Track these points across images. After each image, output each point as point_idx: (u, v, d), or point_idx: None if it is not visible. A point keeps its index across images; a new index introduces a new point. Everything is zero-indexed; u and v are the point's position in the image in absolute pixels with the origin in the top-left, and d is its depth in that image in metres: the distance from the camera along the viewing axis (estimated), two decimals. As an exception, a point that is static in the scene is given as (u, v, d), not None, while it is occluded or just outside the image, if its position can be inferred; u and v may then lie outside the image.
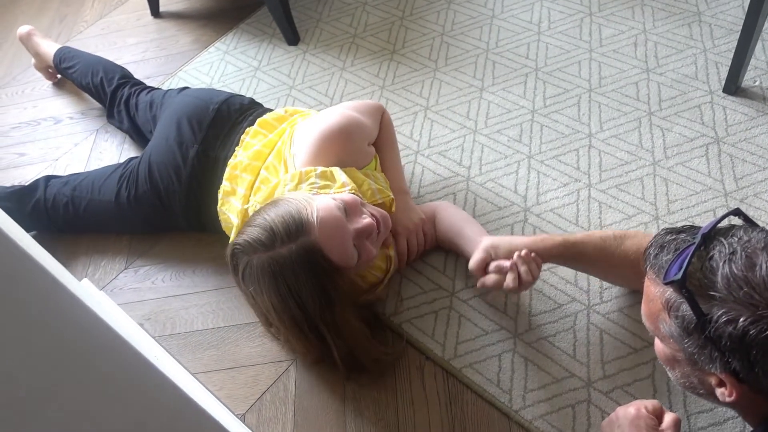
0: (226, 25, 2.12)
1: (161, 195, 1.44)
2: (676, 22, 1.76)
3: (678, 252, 0.79)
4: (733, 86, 1.55)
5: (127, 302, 1.46)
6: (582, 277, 1.31)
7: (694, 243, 0.78)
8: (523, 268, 1.13)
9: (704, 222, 0.96)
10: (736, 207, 0.85)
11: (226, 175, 1.36)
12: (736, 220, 0.83)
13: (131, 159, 1.52)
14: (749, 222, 0.82)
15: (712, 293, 0.74)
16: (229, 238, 1.39)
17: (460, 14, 1.94)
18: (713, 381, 0.80)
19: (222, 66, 1.97)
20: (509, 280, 1.13)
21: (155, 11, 2.22)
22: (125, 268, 1.52)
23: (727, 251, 0.75)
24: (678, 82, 1.62)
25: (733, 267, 0.73)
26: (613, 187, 1.44)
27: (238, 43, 2.04)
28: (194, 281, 1.47)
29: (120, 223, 1.53)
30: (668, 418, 1.01)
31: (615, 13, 1.83)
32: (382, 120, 1.42)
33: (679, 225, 0.95)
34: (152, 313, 1.43)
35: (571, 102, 1.63)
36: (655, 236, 0.86)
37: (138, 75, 2.01)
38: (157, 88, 1.70)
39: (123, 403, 0.72)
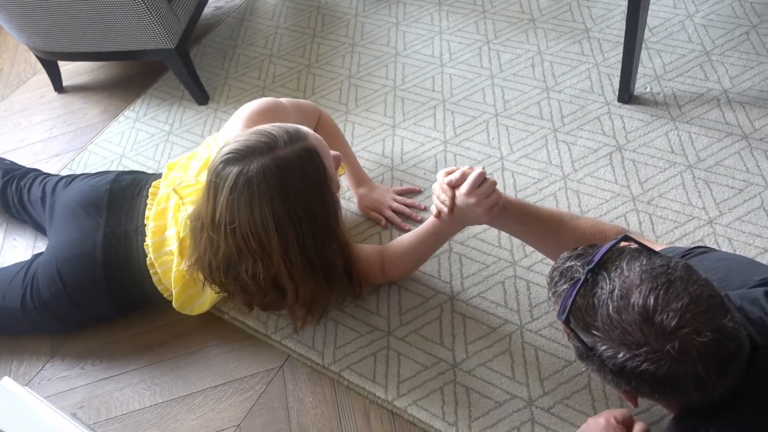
0: (134, 92, 2.10)
1: (76, 292, 1.37)
2: (567, 41, 1.86)
3: (571, 283, 0.83)
4: (626, 95, 1.63)
5: (57, 393, 1.40)
6: (511, 298, 1.34)
7: (580, 280, 0.81)
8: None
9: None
10: (624, 234, 0.87)
11: (149, 232, 1.35)
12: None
13: (36, 256, 1.46)
14: (639, 245, 0.84)
15: (593, 332, 0.79)
16: (164, 298, 1.39)
17: (365, 56, 1.99)
18: (618, 393, 0.85)
19: (134, 134, 1.95)
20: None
21: (58, 87, 2.18)
22: (51, 358, 1.45)
23: (607, 289, 0.78)
24: (576, 97, 1.70)
25: (610, 308, 0.77)
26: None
27: (147, 109, 2.02)
28: (125, 360, 1.42)
29: (33, 327, 1.46)
30: (637, 427, 1.04)
31: (510, 39, 1.91)
32: (322, 118, 1.49)
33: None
34: (85, 399, 1.37)
35: (480, 128, 1.68)
36: (560, 257, 0.89)
37: (47, 153, 1.96)
38: (46, 175, 1.64)
39: None
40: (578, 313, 0.80)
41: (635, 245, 0.85)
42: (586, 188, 1.49)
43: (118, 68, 2.21)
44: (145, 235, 1.35)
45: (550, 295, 0.88)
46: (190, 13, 1.94)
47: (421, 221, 1.49)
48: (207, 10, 2.32)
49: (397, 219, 1.52)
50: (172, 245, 1.32)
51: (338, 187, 1.22)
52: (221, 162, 1.11)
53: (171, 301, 1.38)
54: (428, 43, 1.97)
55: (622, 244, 0.85)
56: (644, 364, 0.75)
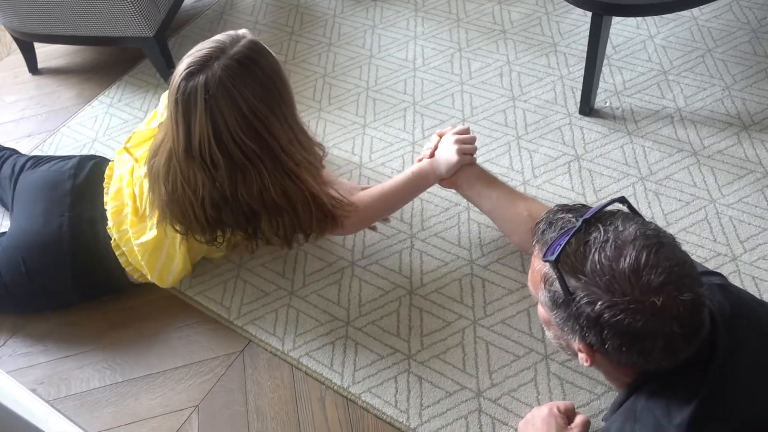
0: (109, 78, 2.12)
1: (40, 279, 1.38)
2: (535, 53, 1.93)
3: (562, 232, 0.86)
4: (587, 108, 1.71)
5: (19, 368, 1.41)
6: (467, 294, 1.40)
7: (575, 227, 0.85)
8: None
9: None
10: (621, 195, 0.92)
11: (109, 214, 1.37)
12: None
13: (1, 235, 1.47)
14: (632, 210, 0.90)
15: (579, 276, 0.82)
16: (133, 284, 1.42)
17: (341, 56, 2.04)
18: (575, 347, 0.90)
19: (107, 119, 1.96)
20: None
21: (33, 68, 2.18)
22: (13, 335, 1.47)
23: (601, 239, 0.82)
24: (540, 107, 1.77)
25: (602, 255, 0.81)
26: (490, 208, 1.55)
27: (122, 95, 2.04)
28: (87, 340, 1.44)
29: None
30: (578, 418, 1.11)
31: (482, 47, 1.98)
32: None
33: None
34: (45, 376, 1.39)
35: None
36: (548, 211, 0.93)
37: (18, 133, 1.97)
38: (19, 155, 1.65)
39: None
40: (566, 257, 0.83)
41: (628, 210, 0.89)
42: (544, 194, 1.56)
43: (95, 53, 2.23)
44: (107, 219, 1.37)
45: (534, 243, 0.92)
46: (170, 2, 1.97)
47: (388, 220, 1.55)
48: (188, 1, 2.35)
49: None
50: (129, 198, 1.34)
51: None
52: (182, 80, 1.11)
53: (141, 285, 1.41)
54: (403, 47, 2.03)
55: (616, 205, 0.89)
56: (622, 314, 0.79)
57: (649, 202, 1.51)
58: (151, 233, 1.32)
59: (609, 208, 0.89)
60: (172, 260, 1.36)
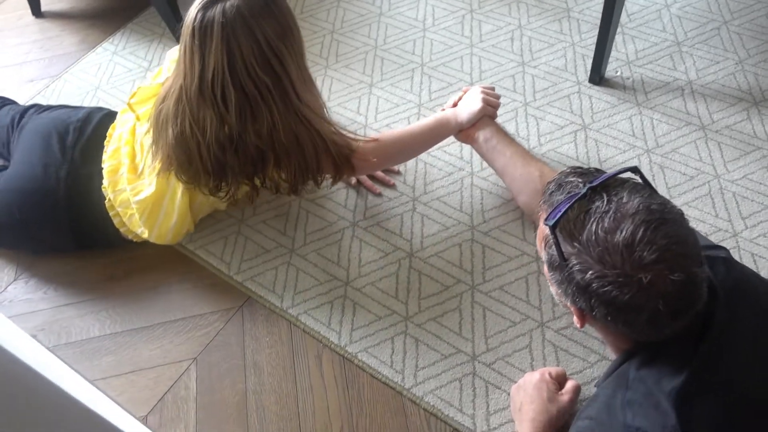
0: (114, 24, 2.08)
1: (34, 227, 1.39)
2: (548, 18, 1.90)
3: (567, 196, 0.86)
4: (597, 77, 1.69)
5: (19, 314, 1.43)
6: (466, 259, 1.41)
7: (579, 193, 0.85)
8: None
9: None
10: (634, 165, 0.90)
11: (105, 173, 1.36)
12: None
13: (1, 170, 1.46)
14: (644, 181, 0.88)
15: (575, 243, 0.83)
16: (129, 242, 1.41)
17: (350, 12, 2.00)
18: (569, 308, 0.91)
19: (111, 67, 1.94)
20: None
21: (37, 11, 2.14)
22: (14, 280, 1.48)
23: (602, 209, 0.82)
24: (550, 74, 1.75)
25: (599, 226, 0.81)
26: (493, 174, 1.54)
27: (126, 43, 2.01)
28: (88, 288, 1.45)
29: None
30: (569, 384, 1.13)
31: (494, 10, 1.94)
32: None
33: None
34: (45, 323, 1.41)
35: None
36: (560, 172, 0.93)
37: (20, 78, 1.95)
38: (16, 104, 1.64)
39: (7, 416, 0.72)
40: (566, 223, 0.84)
41: (640, 180, 0.88)
42: (548, 162, 1.55)
43: (99, -1, 2.19)
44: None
45: (541, 203, 0.92)
46: (176, -51, 1.92)
47: (393, 185, 1.54)
48: (194, -52, 2.29)
49: (369, 181, 1.54)
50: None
51: None
52: (199, 10, 1.12)
53: (137, 243, 1.42)
54: (413, 5, 1.99)
55: (628, 174, 0.88)
56: (609, 286, 0.80)
57: (654, 175, 1.50)
58: (149, 189, 1.32)
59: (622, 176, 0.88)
60: (170, 217, 1.36)
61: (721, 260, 0.91)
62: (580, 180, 0.88)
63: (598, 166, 1.52)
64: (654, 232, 0.79)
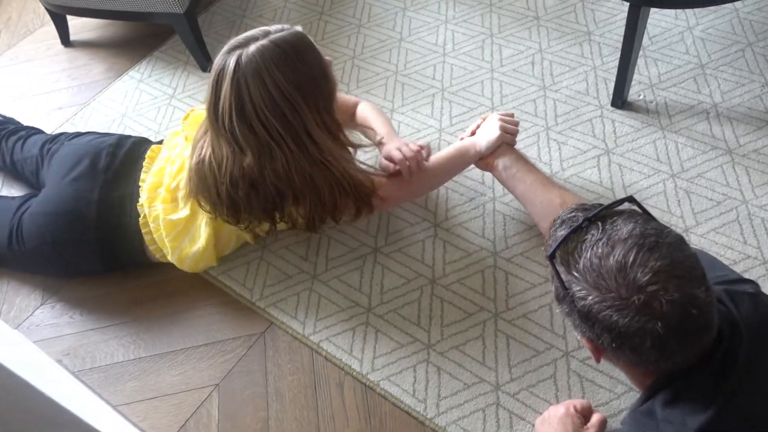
0: (140, 53, 2.12)
1: (63, 248, 1.41)
2: (568, 42, 1.89)
3: (570, 229, 0.88)
4: (620, 100, 1.68)
5: (45, 338, 1.45)
6: (489, 286, 1.40)
7: (576, 225, 0.87)
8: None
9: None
10: (630, 195, 0.93)
11: (144, 189, 1.39)
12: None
13: (31, 196, 1.50)
14: (641, 209, 0.90)
15: (573, 272, 0.85)
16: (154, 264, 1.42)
17: (370, 38, 2.02)
18: (584, 342, 0.91)
19: (137, 94, 1.97)
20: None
21: (66, 40, 2.20)
22: (41, 304, 1.50)
23: (596, 237, 0.84)
24: (571, 98, 1.74)
25: (593, 254, 0.83)
26: (515, 199, 1.53)
27: (152, 71, 2.05)
28: (113, 313, 1.47)
29: (20, 266, 1.52)
30: (595, 418, 1.11)
31: (514, 34, 1.95)
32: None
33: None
34: (71, 348, 1.42)
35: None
36: (567, 208, 0.95)
37: (50, 105, 1.99)
38: (42, 132, 1.70)
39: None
40: (564, 254, 0.86)
41: (638, 209, 0.90)
42: (571, 188, 1.54)
43: (126, 28, 2.23)
44: (139, 196, 1.39)
45: (547, 240, 0.94)
46: (201, -21, 1.96)
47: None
48: (218, -23, 2.34)
49: (396, 159, 1.38)
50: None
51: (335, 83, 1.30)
52: (222, 54, 1.20)
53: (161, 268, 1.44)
54: (433, 31, 2.00)
55: (626, 205, 0.90)
56: (608, 310, 0.80)
57: (679, 200, 1.48)
58: (183, 212, 1.35)
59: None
60: (194, 243, 1.38)
61: (747, 295, 0.90)
62: (580, 214, 0.90)
63: (623, 191, 1.51)
64: (647, 254, 0.80)
